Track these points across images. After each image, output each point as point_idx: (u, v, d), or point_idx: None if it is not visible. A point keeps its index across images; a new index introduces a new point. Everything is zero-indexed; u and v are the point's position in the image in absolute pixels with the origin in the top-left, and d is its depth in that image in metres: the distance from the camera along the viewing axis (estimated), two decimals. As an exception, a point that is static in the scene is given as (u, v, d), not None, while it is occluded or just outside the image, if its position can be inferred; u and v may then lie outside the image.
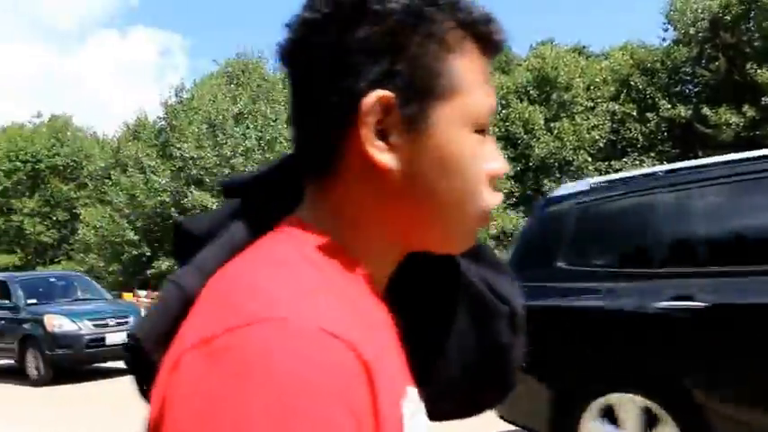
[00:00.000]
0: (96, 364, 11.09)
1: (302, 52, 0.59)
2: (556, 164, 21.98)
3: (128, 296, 24.69)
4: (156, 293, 23.64)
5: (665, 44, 23.45)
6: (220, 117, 25.00)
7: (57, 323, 10.22)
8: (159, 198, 25.07)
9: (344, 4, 0.56)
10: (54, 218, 39.59)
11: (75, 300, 11.77)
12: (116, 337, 10.19)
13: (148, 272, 24.51)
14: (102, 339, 10.28)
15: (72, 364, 10.60)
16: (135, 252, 25.43)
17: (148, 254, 25.20)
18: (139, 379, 0.59)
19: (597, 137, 22.01)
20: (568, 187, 4.36)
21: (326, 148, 0.58)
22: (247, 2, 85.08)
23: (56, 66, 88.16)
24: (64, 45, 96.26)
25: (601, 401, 3.58)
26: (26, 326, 10.60)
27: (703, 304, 3.26)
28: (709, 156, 16.85)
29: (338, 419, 0.46)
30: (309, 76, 0.59)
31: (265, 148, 25.65)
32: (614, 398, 3.57)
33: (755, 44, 20.56)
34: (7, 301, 11.24)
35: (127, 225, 25.76)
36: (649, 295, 3.49)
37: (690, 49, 22.20)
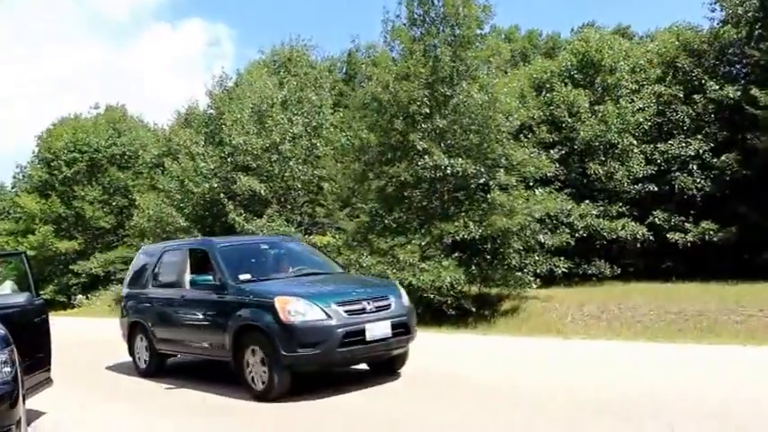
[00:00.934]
0: (350, 367, 8.65)
1: None
2: (601, 147, 21.59)
3: (180, 279, 25.23)
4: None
5: (712, 25, 22.80)
6: (266, 104, 25.20)
7: (295, 309, 7.34)
8: (208, 184, 25.40)
9: None
10: (112, 204, 40.62)
11: (303, 274, 8.91)
12: (378, 329, 7.52)
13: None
14: (362, 332, 7.39)
15: (319, 368, 7.89)
16: (186, 238, 25.79)
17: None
18: None
19: (642, 120, 21.52)
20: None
21: None
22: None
23: (112, 58, 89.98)
24: (119, 39, 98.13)
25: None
26: (244, 313, 7.76)
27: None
28: (757, 137, 16.26)
29: None
30: None
31: (312, 134, 25.84)
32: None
33: (807, 22, 19.90)
34: (209, 278, 8.51)
35: (176, 212, 26.09)
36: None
37: (738, 29, 21.55)
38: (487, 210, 18.03)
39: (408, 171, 18.73)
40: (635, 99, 21.98)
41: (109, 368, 11.43)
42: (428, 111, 18.58)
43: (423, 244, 17.92)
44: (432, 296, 17.15)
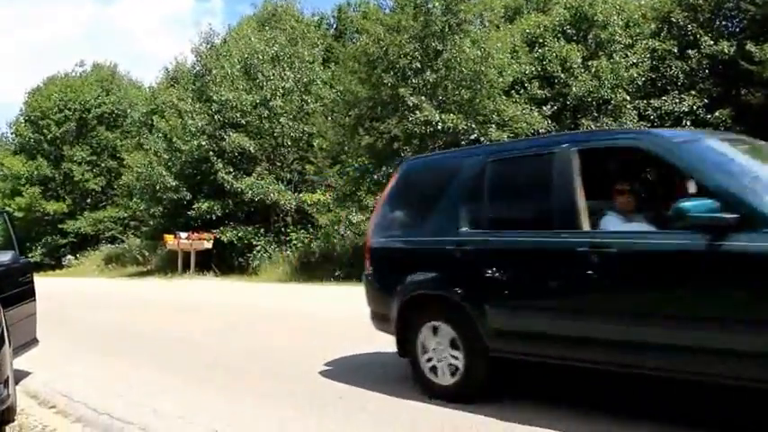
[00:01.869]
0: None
1: None
2: (593, 103, 21.21)
3: (169, 238, 24.92)
4: (197, 235, 23.80)
5: (708, -22, 22.25)
6: (256, 59, 24.60)
7: None
8: (196, 142, 24.89)
9: None
10: (101, 165, 40.07)
11: None
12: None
13: (189, 213, 24.56)
14: None
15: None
16: (175, 196, 25.40)
17: (188, 197, 25.16)
18: None
19: (636, 75, 21.09)
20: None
21: None
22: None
23: (99, 15, 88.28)
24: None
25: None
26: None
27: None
28: (751, 93, 15.77)
29: None
30: None
31: (302, 90, 25.35)
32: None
33: (805, -24, 19.40)
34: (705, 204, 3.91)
35: (164, 171, 25.62)
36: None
37: (734, -17, 21.04)
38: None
39: (399, 126, 18.39)
40: (628, 54, 21.53)
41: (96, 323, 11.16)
42: (419, 65, 18.24)
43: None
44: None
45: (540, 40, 22.36)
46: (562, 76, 21.40)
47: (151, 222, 28.81)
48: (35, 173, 39.38)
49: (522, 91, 20.48)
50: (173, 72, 34.44)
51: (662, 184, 5.45)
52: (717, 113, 20.09)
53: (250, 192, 23.16)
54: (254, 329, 9.85)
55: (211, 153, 24.15)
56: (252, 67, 24.59)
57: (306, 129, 24.59)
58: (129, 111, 39.93)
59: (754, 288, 3.69)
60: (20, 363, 6.61)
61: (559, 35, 22.36)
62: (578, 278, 4.39)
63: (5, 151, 43.94)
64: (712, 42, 20.57)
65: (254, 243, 23.73)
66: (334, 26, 32.64)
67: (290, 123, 24.35)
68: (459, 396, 5.09)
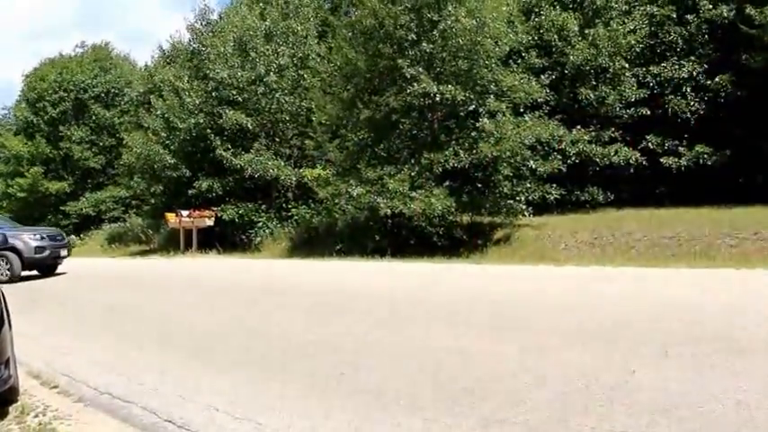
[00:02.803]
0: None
1: None
2: (592, 71, 20.95)
3: (170, 216, 24.89)
4: (198, 212, 23.76)
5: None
6: (248, 36, 24.35)
7: None
8: (194, 120, 24.75)
9: None
10: (100, 144, 40.01)
11: None
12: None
13: (189, 192, 24.51)
14: None
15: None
16: (174, 174, 25.34)
17: (188, 175, 25.09)
18: None
19: (634, 42, 20.80)
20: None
21: None
22: None
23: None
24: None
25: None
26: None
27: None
28: (752, 57, 15.51)
29: None
30: None
31: (298, 65, 25.14)
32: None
33: (805, -64, 19.04)
34: None
35: (162, 149, 25.53)
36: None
37: (734, -56, 20.66)
38: (477, 137, 17.59)
39: (397, 99, 18.26)
40: (626, 21, 21.25)
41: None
42: (415, 36, 18.07)
43: (413, 173, 17.53)
44: (422, 225, 16.92)
45: (536, 9, 22.08)
46: (559, 44, 21.19)
47: (152, 201, 28.81)
48: (35, 152, 39.35)
49: (519, 60, 20.28)
50: (169, 51, 34.14)
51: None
52: (717, 79, 19.89)
53: (249, 168, 23.09)
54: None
55: (209, 130, 24.05)
56: (246, 44, 24.36)
57: (303, 104, 24.44)
58: (125, 89, 39.74)
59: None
60: (25, 343, 6.60)
61: (555, 3, 22.10)
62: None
63: (7, 132, 43.88)
64: (711, 6, 20.32)
65: (256, 220, 23.73)
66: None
67: (287, 99, 24.20)
68: None
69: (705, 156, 19.50)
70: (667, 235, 14.96)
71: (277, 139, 25.06)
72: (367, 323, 7.51)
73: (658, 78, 20.84)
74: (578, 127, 19.95)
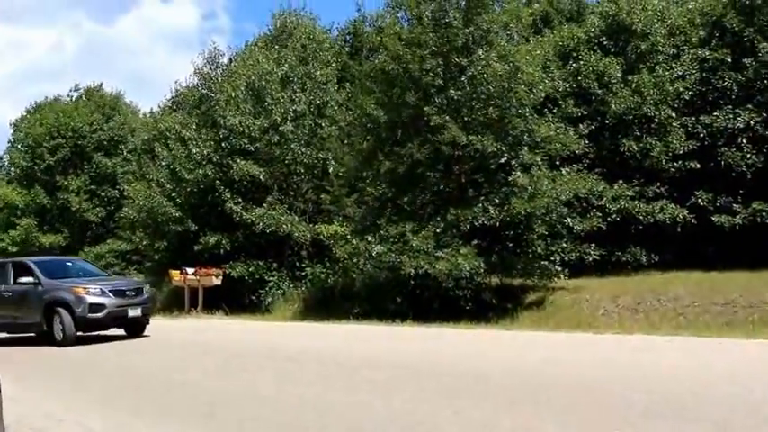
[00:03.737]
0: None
1: None
2: (635, 121, 21.14)
3: (175, 274, 25.17)
4: (205, 270, 24.02)
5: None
6: (264, 81, 24.94)
7: None
8: (201, 171, 25.22)
9: None
10: (100, 194, 40.52)
11: None
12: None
13: (195, 248, 24.81)
14: None
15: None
16: (180, 228, 25.72)
17: (194, 229, 25.45)
18: None
19: (683, 89, 21.02)
20: None
21: None
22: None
23: (99, 37, 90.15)
24: (106, 14, 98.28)
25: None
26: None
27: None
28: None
29: None
30: None
31: (315, 113, 25.60)
32: None
33: None
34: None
35: (167, 202, 26.00)
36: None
37: (794, -18, 20.94)
38: (509, 192, 17.81)
39: (421, 150, 18.55)
40: (674, 66, 21.50)
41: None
42: (442, 82, 18.41)
43: (438, 230, 17.71)
44: (448, 287, 17.01)
45: (575, 54, 22.39)
46: (599, 92, 21.43)
47: (155, 257, 29.15)
48: (31, 203, 39.97)
49: (555, 109, 20.56)
50: (175, 96, 34.95)
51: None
52: (776, 129, 19.91)
53: (261, 223, 23.41)
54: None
55: (218, 182, 24.52)
56: (260, 90, 24.95)
57: (320, 155, 24.87)
58: (129, 137, 40.50)
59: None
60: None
61: (595, 47, 22.40)
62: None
63: (0, 181, 44.74)
64: (772, 49, 20.38)
65: (267, 279, 23.96)
66: (350, 43, 32.99)
67: (303, 149, 24.62)
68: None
69: (763, 213, 19.42)
70: (720, 301, 14.92)
71: (291, 193, 25.45)
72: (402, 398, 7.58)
73: (710, 129, 20.89)
74: (620, 182, 20.09)
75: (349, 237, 20.07)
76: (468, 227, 17.58)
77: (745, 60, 20.90)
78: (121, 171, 39.06)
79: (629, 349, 10.48)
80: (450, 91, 18.18)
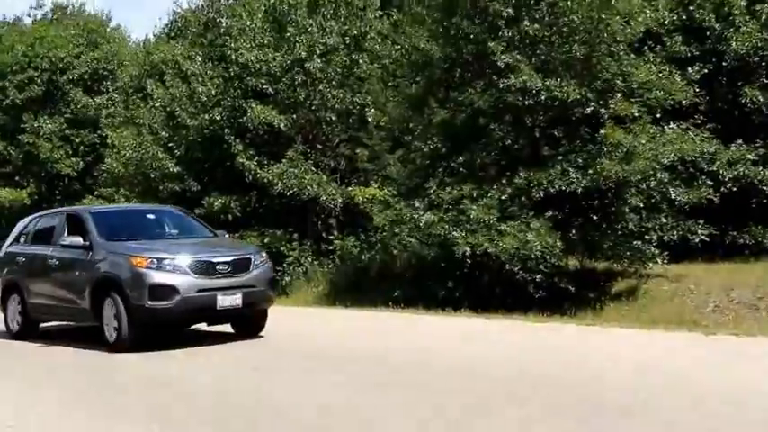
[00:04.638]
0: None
1: None
2: (763, 64, 20.92)
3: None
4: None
5: None
6: (286, 5, 24.98)
7: None
8: (207, 116, 25.35)
9: None
10: (78, 141, 40.17)
11: None
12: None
13: (197, 211, 24.95)
14: None
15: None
16: (178, 187, 26.05)
17: (195, 189, 25.79)
18: None
19: (828, 23, 20.77)
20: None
21: None
22: None
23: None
24: None
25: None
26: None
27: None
28: None
29: None
30: None
31: (351, 47, 25.44)
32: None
33: None
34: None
35: (162, 153, 26.32)
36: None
37: None
38: (596, 152, 17.81)
39: (485, 97, 18.60)
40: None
41: None
42: (513, 12, 18.38)
43: (503, 198, 17.83)
44: (514, 270, 17.12)
45: (690, -22, 22.13)
46: (716, 25, 21.20)
47: (145, 223, 29.34)
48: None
49: (658, 47, 20.40)
50: (175, 20, 34.97)
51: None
52: None
53: (280, 183, 23.46)
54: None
55: (227, 131, 24.70)
56: (282, 16, 25.01)
57: (357, 99, 24.89)
58: (117, 71, 40.23)
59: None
60: None
61: (714, -33, 22.12)
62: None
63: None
64: None
65: (286, 253, 24.09)
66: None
67: (335, 92, 24.66)
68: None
69: None
70: None
71: (319, 146, 25.56)
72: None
73: None
74: (739, 142, 19.91)
75: (390, 202, 20.15)
76: (541, 194, 17.62)
77: None
78: (106, 114, 38.73)
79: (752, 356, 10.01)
80: (525, 23, 18.18)
